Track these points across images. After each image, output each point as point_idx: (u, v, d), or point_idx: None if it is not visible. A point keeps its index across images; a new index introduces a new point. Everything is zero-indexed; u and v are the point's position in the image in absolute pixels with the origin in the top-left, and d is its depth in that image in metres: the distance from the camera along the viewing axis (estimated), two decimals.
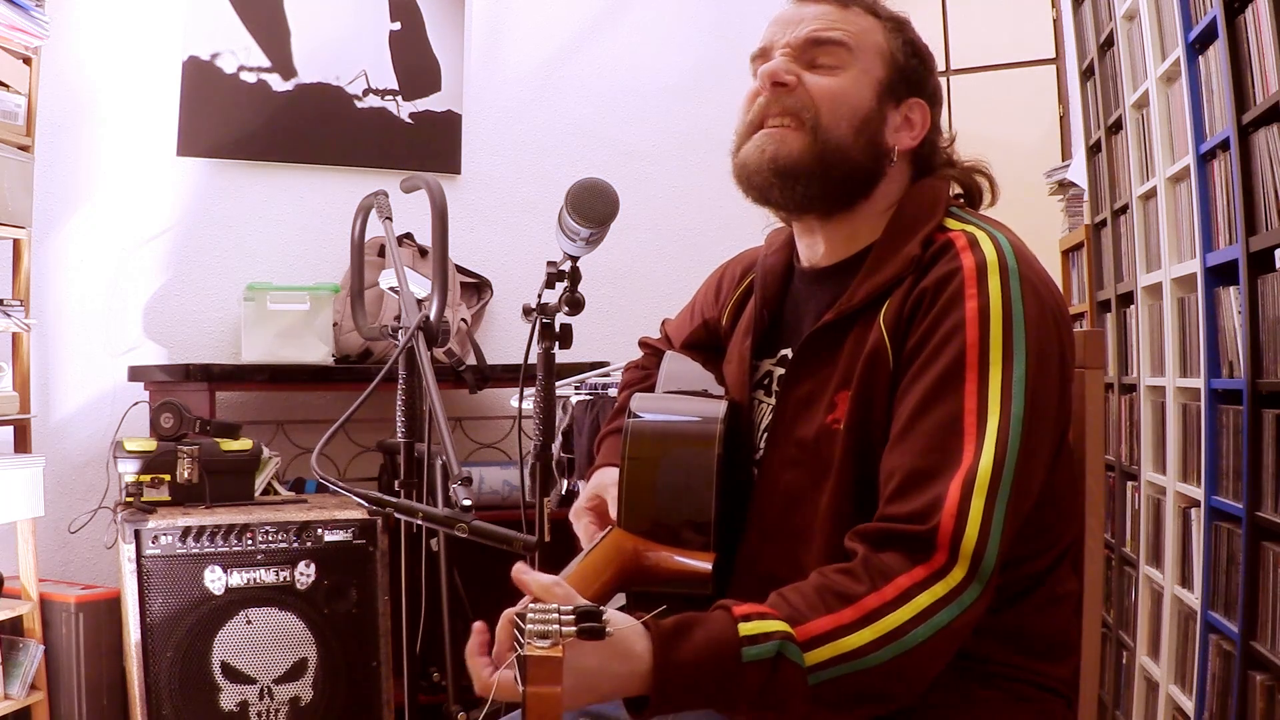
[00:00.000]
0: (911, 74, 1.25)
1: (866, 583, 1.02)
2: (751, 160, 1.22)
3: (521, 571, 1.00)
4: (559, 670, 0.77)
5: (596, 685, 0.95)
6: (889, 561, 1.03)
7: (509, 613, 0.99)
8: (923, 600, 1.00)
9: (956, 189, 1.29)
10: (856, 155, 1.21)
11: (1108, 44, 2.95)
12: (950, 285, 1.11)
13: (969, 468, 1.04)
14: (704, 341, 1.49)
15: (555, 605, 0.85)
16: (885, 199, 1.25)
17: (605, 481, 1.36)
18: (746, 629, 0.98)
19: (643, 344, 1.63)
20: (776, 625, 0.98)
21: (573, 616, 0.83)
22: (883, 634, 0.99)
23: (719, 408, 1.25)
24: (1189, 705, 2.29)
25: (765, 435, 1.26)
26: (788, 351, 1.29)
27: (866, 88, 1.22)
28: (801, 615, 1.00)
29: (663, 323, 1.61)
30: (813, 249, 1.29)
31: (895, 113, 1.24)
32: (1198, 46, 2.27)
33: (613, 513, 1.29)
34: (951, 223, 1.21)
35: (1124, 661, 2.84)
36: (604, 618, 0.84)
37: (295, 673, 2.46)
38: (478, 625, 1.03)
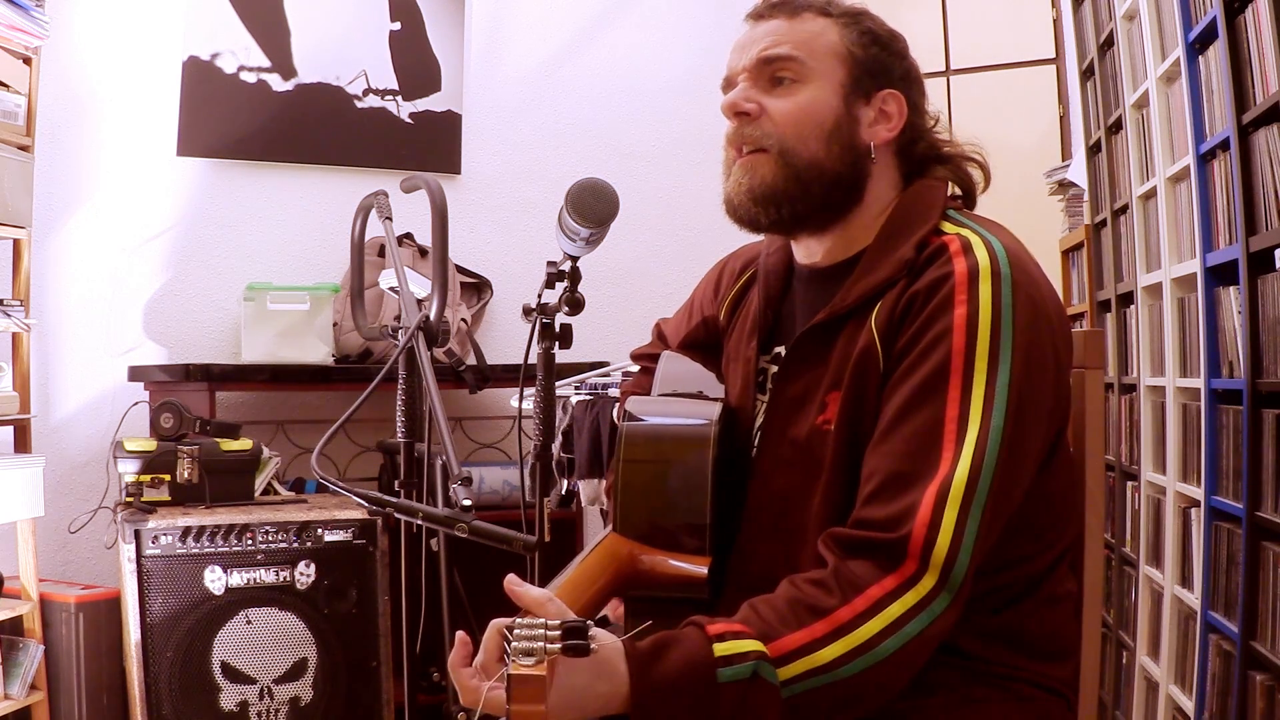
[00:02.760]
0: (875, 65, 1.23)
1: (838, 595, 1.02)
2: (733, 195, 1.23)
3: (515, 584, 1.00)
4: (543, 689, 0.78)
5: (582, 702, 0.95)
6: (859, 571, 1.03)
7: (496, 623, 0.99)
8: (893, 611, 1.01)
9: (954, 189, 1.28)
10: (833, 165, 1.20)
11: (1108, 44, 2.95)
12: (941, 290, 1.11)
13: (944, 476, 1.04)
14: (703, 340, 1.48)
15: (542, 620, 0.85)
16: (878, 201, 1.24)
17: None
18: (721, 649, 0.98)
19: (635, 356, 1.62)
20: (750, 645, 0.99)
21: (559, 633, 0.84)
22: (854, 646, 1.00)
23: (714, 410, 1.24)
24: (1189, 705, 2.28)
25: (759, 433, 1.26)
26: (781, 350, 1.29)
27: (831, 95, 1.21)
28: (774, 631, 1.01)
29: (657, 323, 1.61)
30: (810, 255, 1.29)
31: (868, 109, 1.22)
32: (1198, 46, 2.27)
33: None
34: (947, 226, 1.20)
35: (1124, 661, 2.84)
36: (590, 634, 0.84)
37: (295, 673, 2.46)
38: (460, 636, 1.03)
